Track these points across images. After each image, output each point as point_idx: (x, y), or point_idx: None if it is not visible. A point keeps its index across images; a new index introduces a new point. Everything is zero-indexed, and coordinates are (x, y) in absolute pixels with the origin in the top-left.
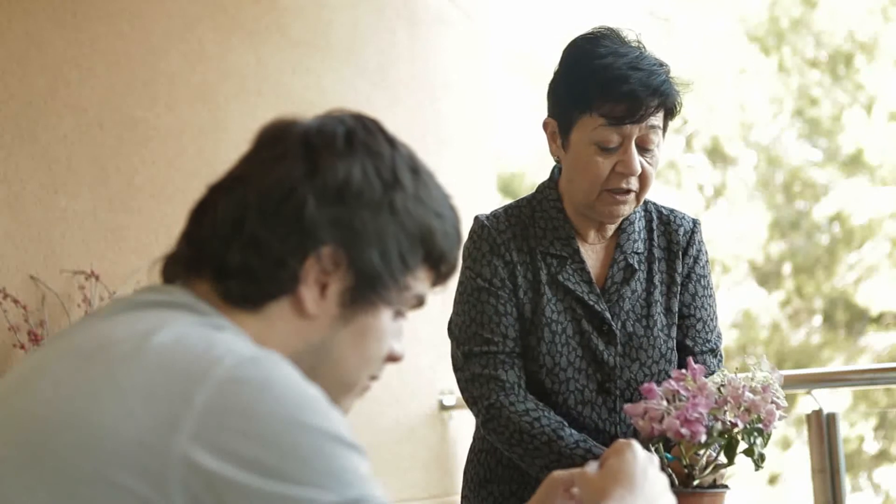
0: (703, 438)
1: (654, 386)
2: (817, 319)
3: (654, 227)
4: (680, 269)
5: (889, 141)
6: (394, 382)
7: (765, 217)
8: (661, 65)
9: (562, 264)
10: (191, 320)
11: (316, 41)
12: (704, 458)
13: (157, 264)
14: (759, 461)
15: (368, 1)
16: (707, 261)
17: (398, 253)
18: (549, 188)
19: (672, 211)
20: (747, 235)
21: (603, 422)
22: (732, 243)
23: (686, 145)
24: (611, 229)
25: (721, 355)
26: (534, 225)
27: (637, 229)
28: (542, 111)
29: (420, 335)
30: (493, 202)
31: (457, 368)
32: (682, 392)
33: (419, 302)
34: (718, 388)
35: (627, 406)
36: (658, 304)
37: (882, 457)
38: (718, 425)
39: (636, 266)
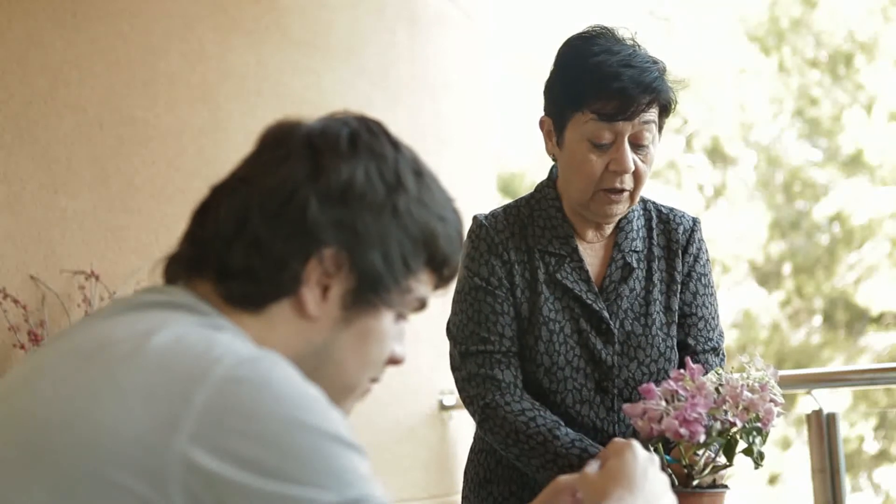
0: (703, 438)
1: (652, 386)
2: (817, 319)
3: (654, 226)
4: (679, 268)
5: (889, 141)
6: (394, 382)
7: (765, 217)
8: (655, 62)
9: (560, 263)
10: (191, 321)
11: (316, 41)
12: (703, 459)
13: (160, 264)
14: (758, 460)
15: (368, 1)
16: (708, 259)
17: (400, 255)
18: (548, 187)
19: (672, 210)
20: (747, 235)
21: (601, 421)
22: (732, 243)
23: (686, 145)
24: (609, 228)
25: (723, 354)
26: (532, 224)
27: (636, 228)
28: (541, 111)
29: (420, 335)
30: (493, 202)
31: (454, 368)
32: (681, 392)
33: (421, 305)
34: (717, 388)
35: (626, 406)
36: (657, 302)
37: (882, 457)
38: (717, 425)
39: (634, 265)
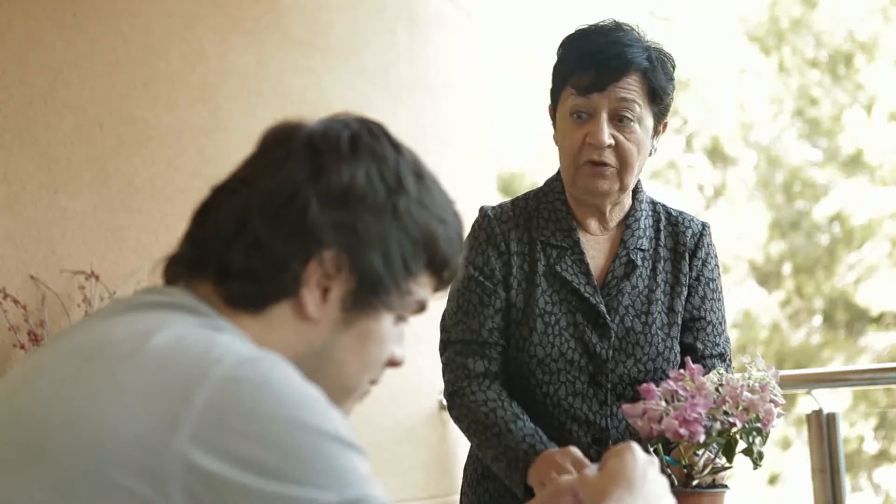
0: (702, 438)
1: (652, 386)
2: (817, 319)
3: (662, 228)
4: (685, 271)
5: (889, 141)
6: (394, 383)
7: (765, 217)
8: (647, 46)
9: (561, 255)
10: (191, 321)
11: (316, 41)
12: (703, 460)
13: (160, 265)
14: (757, 460)
15: (368, 1)
16: (716, 265)
17: (401, 258)
18: (556, 180)
19: (681, 213)
20: (747, 235)
21: (594, 414)
22: (732, 243)
23: (686, 145)
24: (613, 220)
25: (730, 360)
26: (538, 216)
27: (643, 227)
28: (542, 111)
29: (420, 335)
30: (493, 202)
31: (440, 356)
32: (681, 392)
33: (421, 307)
34: (717, 388)
35: (626, 406)
36: (659, 302)
37: (882, 457)
38: (717, 425)
39: (638, 262)
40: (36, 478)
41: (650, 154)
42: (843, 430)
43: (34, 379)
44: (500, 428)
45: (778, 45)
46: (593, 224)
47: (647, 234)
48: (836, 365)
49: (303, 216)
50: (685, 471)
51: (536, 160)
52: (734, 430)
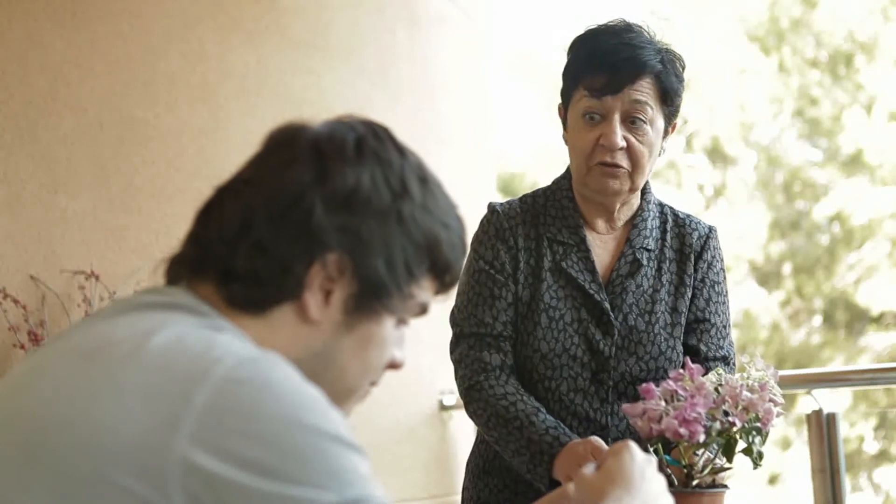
0: (702, 438)
1: (652, 386)
2: (817, 319)
3: (668, 229)
4: (690, 272)
5: (889, 141)
6: (394, 382)
7: (765, 217)
8: (659, 47)
9: (567, 252)
10: (191, 321)
11: (316, 41)
12: (702, 460)
13: (162, 265)
14: (757, 459)
15: (368, 1)
16: (722, 268)
17: (403, 262)
18: (564, 178)
19: (688, 216)
20: (747, 235)
21: (594, 411)
22: (732, 243)
23: (686, 145)
24: (621, 219)
25: (733, 364)
26: (545, 213)
27: (650, 227)
28: (542, 111)
29: (421, 335)
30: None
31: (451, 350)
32: (681, 392)
33: (422, 310)
34: (716, 388)
35: (626, 406)
36: (663, 302)
37: (882, 457)
38: (717, 425)
39: (644, 262)
40: (36, 478)
41: (659, 154)
42: (843, 430)
43: (34, 379)
44: (522, 421)
45: (778, 45)
46: (601, 223)
47: (654, 234)
48: (836, 365)
49: (307, 219)
50: (685, 471)
51: (536, 160)
52: (734, 429)
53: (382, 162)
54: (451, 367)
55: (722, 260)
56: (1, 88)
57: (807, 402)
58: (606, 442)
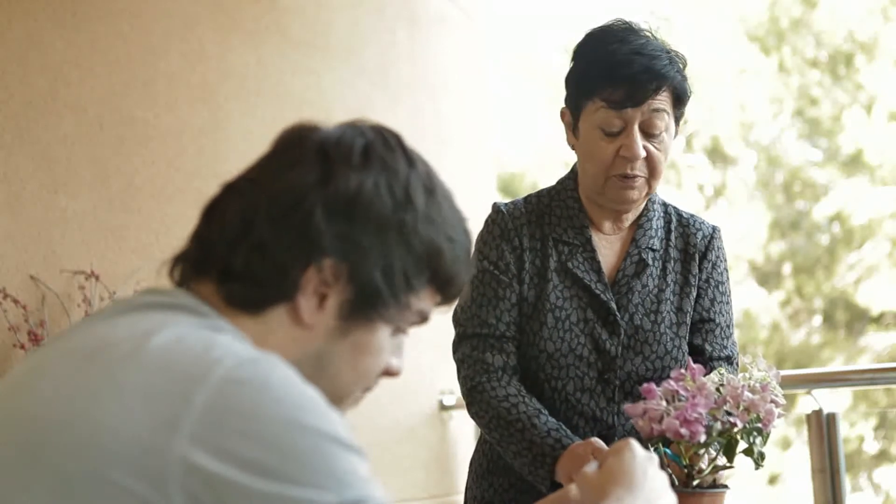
0: (703, 438)
1: (653, 386)
2: (817, 319)
3: (673, 229)
4: (695, 272)
5: (889, 141)
6: (394, 382)
7: (765, 217)
8: (668, 52)
9: (573, 252)
10: (191, 322)
11: (316, 41)
12: (707, 461)
13: (167, 264)
14: (758, 460)
15: (368, 1)
16: (726, 268)
17: (402, 273)
18: (569, 179)
19: (692, 216)
20: (747, 235)
21: (601, 410)
22: (732, 243)
23: (686, 145)
24: (627, 220)
25: (737, 363)
26: (550, 213)
27: (655, 227)
28: (542, 111)
29: (421, 334)
30: (495, 202)
31: (453, 351)
32: (682, 392)
33: (422, 319)
34: (717, 388)
35: (627, 406)
36: (668, 301)
37: (882, 457)
38: (718, 425)
39: (649, 262)
40: (36, 478)
41: None
42: (843, 430)
43: (34, 379)
44: (524, 423)
45: (778, 45)
46: (608, 224)
47: (659, 234)
48: (836, 365)
49: (306, 222)
50: (685, 471)
51: (536, 160)
52: (735, 430)
53: (388, 170)
54: (451, 367)
55: (725, 260)
56: (1, 88)
57: (807, 402)
58: (613, 441)
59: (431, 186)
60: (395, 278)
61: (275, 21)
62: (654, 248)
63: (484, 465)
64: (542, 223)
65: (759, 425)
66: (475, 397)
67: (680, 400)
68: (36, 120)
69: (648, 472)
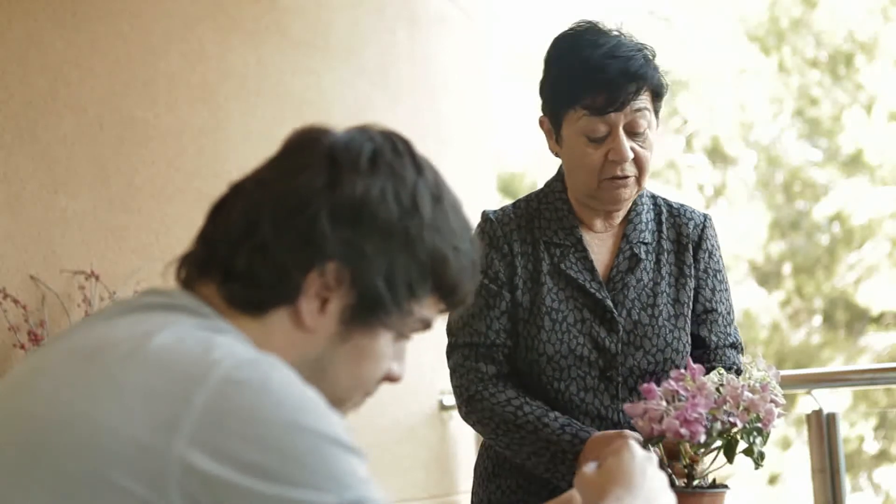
0: (703, 438)
1: (653, 386)
2: (817, 319)
3: (664, 220)
4: (689, 262)
5: (889, 141)
6: None
7: (765, 217)
8: (640, 49)
9: (565, 253)
10: (191, 322)
11: (316, 41)
12: (709, 463)
13: (172, 264)
14: (758, 460)
15: (368, 1)
16: (721, 256)
17: (405, 280)
18: (556, 181)
19: (682, 205)
20: (747, 235)
21: (605, 409)
22: (732, 243)
23: (686, 145)
24: (618, 217)
25: (742, 348)
26: (539, 217)
27: (645, 220)
28: (540, 111)
29: (420, 335)
30: (493, 202)
31: (447, 358)
32: (682, 392)
33: (425, 326)
34: (717, 388)
35: (627, 406)
36: (665, 294)
37: (882, 457)
38: (718, 425)
39: (642, 256)
40: (36, 478)
41: None
42: (843, 430)
43: (34, 379)
44: (535, 424)
45: (778, 45)
46: (599, 223)
47: (649, 227)
48: (836, 365)
49: (311, 226)
50: (685, 471)
51: (536, 160)
52: (735, 430)
53: (396, 176)
54: None
55: (719, 247)
56: (1, 88)
57: (807, 402)
58: None
59: (439, 194)
60: (398, 285)
61: (275, 21)
62: (646, 241)
63: (489, 468)
64: (532, 227)
65: (759, 425)
66: (475, 406)
67: (680, 400)
68: (36, 120)
69: (647, 471)
